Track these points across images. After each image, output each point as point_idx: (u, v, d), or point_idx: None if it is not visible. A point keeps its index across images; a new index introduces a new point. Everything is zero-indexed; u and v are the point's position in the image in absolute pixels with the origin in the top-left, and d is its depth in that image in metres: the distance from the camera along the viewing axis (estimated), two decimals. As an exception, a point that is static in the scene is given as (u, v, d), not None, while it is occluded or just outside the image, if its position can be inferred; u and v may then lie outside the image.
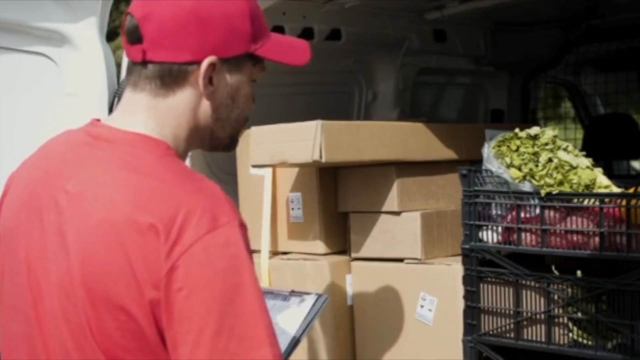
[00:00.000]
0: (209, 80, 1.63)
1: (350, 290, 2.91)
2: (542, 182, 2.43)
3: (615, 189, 2.46)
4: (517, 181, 2.47)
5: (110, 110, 2.82)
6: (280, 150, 2.69)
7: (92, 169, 1.58)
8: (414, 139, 2.86)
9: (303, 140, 2.63)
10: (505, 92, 4.52)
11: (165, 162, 1.59)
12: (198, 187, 1.55)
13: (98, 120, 1.70)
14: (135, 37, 1.60)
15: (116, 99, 2.83)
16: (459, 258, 2.74)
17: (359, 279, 2.91)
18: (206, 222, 1.48)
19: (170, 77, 1.62)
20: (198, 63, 1.61)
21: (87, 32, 2.77)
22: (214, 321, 1.44)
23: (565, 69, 4.98)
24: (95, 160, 1.59)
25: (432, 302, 2.73)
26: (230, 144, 1.76)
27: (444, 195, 2.93)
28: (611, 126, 5.12)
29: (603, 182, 2.47)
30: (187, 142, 1.67)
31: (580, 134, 5.33)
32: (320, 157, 2.60)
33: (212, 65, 1.62)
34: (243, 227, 1.53)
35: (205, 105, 1.66)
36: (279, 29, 3.22)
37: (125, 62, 2.92)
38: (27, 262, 1.61)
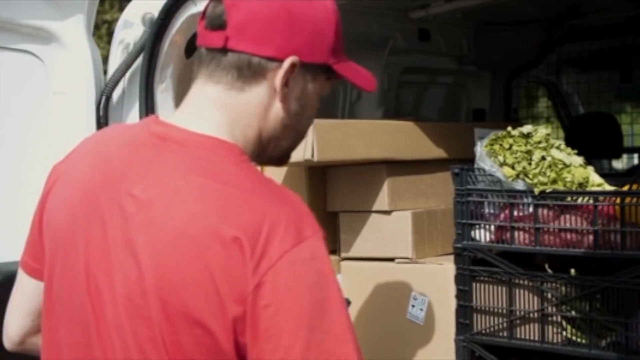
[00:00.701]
0: (286, 82, 1.56)
1: (340, 290, 2.89)
2: (535, 181, 2.43)
3: (608, 187, 2.47)
4: (510, 179, 2.46)
5: (98, 109, 2.78)
6: (270, 149, 2.66)
7: (163, 173, 1.50)
8: (404, 138, 2.85)
9: (294, 139, 2.61)
10: (487, 91, 4.51)
11: (241, 168, 1.52)
12: (279, 196, 1.50)
13: (157, 117, 1.63)
14: (218, 22, 1.54)
15: (104, 98, 2.79)
16: (450, 257, 2.73)
17: (349, 279, 2.89)
18: (292, 234, 1.42)
19: (249, 70, 1.55)
20: (279, 60, 1.55)
21: (74, 30, 2.73)
22: (303, 338, 1.39)
23: (547, 69, 4.99)
24: (165, 163, 1.51)
25: (424, 302, 2.72)
26: (285, 157, 1.71)
27: (433, 194, 2.93)
28: (592, 126, 5.13)
29: (596, 181, 2.47)
30: (254, 145, 1.60)
31: (561, 134, 5.35)
32: (313, 156, 2.58)
33: (293, 66, 1.55)
34: (325, 238, 1.48)
35: (277, 108, 1.59)
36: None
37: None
38: (86, 267, 1.53)
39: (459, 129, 3.13)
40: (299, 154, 2.60)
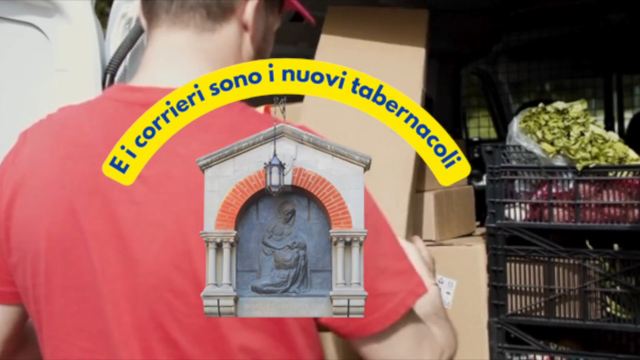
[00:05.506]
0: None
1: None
2: (578, 156, 2.40)
3: (645, 161, 2.47)
4: (550, 156, 2.43)
5: (103, 88, 2.56)
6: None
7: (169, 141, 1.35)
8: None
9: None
10: (434, 79, 4.49)
11: (246, 116, 1.41)
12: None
13: (123, 84, 1.52)
14: None
15: (108, 76, 2.56)
16: (473, 238, 2.69)
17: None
18: None
19: (219, 7, 1.44)
20: None
21: (78, 2, 2.49)
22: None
23: (484, 59, 5.02)
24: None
25: (451, 285, 2.64)
26: None
27: (445, 175, 2.84)
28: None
29: (634, 156, 2.46)
30: None
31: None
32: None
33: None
34: None
35: (248, 46, 1.51)
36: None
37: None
38: (102, 266, 1.39)
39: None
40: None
